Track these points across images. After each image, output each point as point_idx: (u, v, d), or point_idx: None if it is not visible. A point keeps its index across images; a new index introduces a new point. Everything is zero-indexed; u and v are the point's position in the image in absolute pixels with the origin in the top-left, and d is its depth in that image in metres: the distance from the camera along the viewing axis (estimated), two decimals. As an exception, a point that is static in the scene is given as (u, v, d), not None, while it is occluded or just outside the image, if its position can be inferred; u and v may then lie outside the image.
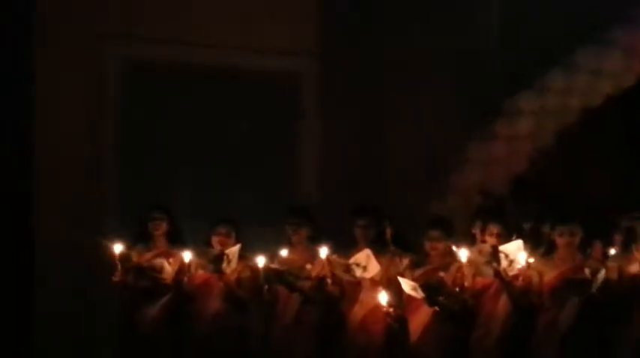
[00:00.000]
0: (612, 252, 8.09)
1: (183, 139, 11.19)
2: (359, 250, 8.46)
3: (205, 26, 11.12)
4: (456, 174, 10.77)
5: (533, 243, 8.43)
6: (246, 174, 11.25)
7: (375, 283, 8.33)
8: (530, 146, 10.80)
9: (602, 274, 7.86)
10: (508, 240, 8.13)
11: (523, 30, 11.10)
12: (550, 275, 8.07)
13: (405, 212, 9.64)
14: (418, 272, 8.23)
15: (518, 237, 8.19)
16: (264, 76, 11.38)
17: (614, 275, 7.97)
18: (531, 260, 7.96)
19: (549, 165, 10.93)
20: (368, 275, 8.34)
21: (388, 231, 8.80)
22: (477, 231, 8.49)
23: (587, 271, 7.94)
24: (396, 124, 11.23)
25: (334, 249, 8.54)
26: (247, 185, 11.21)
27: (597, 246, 8.63)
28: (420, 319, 8.12)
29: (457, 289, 7.95)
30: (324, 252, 8.39)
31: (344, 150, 11.29)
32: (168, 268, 8.79)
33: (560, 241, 8.12)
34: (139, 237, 8.94)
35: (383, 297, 8.06)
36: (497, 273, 7.93)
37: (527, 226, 9.15)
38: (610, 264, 8.01)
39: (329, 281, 8.39)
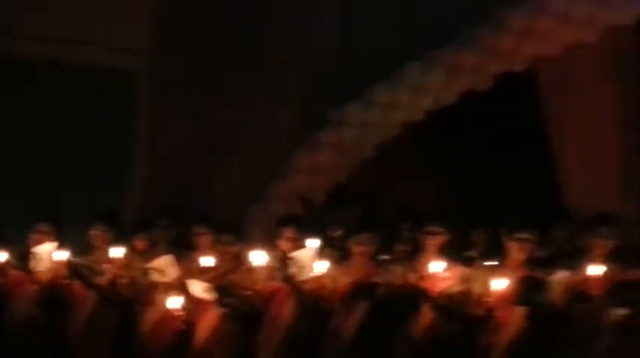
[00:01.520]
0: None
1: (13, 134, 11.15)
2: (158, 252, 8.58)
3: (37, 19, 11.08)
4: (279, 180, 10.92)
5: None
6: (76, 173, 11.18)
7: (170, 287, 8.39)
8: (352, 156, 11.03)
9: (386, 277, 8.14)
10: (304, 245, 8.30)
11: (358, 41, 11.29)
12: (343, 282, 8.25)
13: (233, 218, 9.79)
14: (210, 274, 8.34)
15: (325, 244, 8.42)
16: (97, 73, 11.35)
17: (399, 281, 8.19)
18: (326, 267, 8.13)
19: (365, 176, 11.14)
20: (166, 279, 8.41)
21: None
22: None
23: (377, 278, 8.19)
24: (229, 127, 11.23)
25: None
26: (76, 184, 11.12)
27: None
28: (208, 321, 8.26)
29: (247, 292, 8.10)
30: (120, 252, 8.46)
31: (175, 151, 11.27)
32: None
33: (355, 249, 8.36)
34: None
35: (174, 301, 8.14)
36: (286, 278, 8.11)
37: (336, 234, 9.34)
38: (396, 270, 8.23)
39: (122, 281, 8.45)
